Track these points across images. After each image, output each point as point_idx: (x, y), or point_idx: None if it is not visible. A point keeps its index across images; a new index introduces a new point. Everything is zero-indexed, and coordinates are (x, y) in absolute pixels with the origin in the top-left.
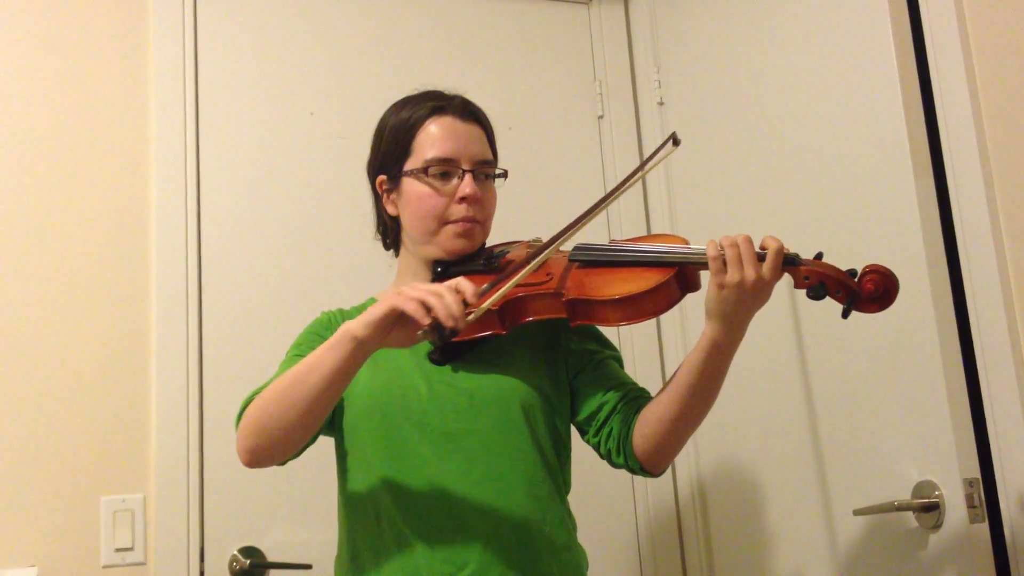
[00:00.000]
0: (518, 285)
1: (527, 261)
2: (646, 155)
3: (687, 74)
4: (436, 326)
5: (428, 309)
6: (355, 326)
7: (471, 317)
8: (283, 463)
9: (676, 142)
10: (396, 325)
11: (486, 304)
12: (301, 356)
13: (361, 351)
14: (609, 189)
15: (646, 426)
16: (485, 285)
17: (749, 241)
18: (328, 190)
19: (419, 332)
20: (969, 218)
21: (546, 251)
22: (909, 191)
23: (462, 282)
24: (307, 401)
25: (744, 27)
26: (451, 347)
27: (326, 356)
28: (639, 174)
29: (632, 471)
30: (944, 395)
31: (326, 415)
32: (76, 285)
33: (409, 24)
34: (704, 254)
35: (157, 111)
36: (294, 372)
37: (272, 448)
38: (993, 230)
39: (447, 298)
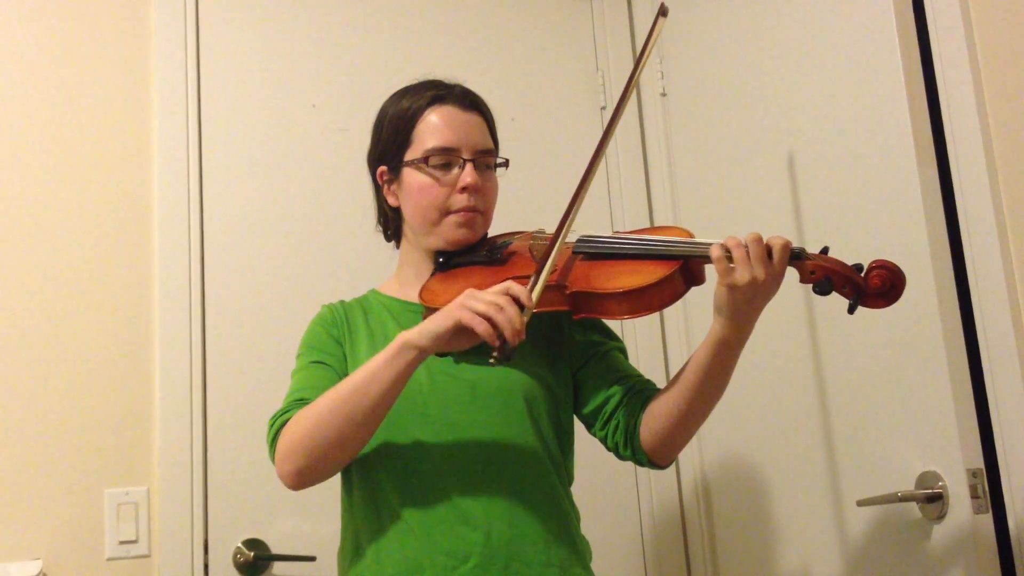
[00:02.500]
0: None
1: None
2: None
3: (690, 64)
4: (503, 344)
5: (493, 324)
6: (417, 337)
7: (527, 319)
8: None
9: (664, 12)
10: (456, 335)
11: (535, 298)
12: (321, 362)
13: (420, 360)
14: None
15: (654, 420)
16: (531, 280)
17: (759, 241)
18: (330, 182)
19: (491, 355)
20: (973, 209)
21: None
22: (913, 181)
23: (513, 286)
24: (366, 414)
25: (747, 17)
26: None
27: (385, 368)
28: (642, 61)
29: (639, 463)
30: (948, 385)
31: (379, 426)
32: (80, 278)
33: (411, 15)
34: (709, 246)
35: (159, 104)
36: (349, 387)
37: (324, 466)
38: (997, 221)
39: (509, 311)
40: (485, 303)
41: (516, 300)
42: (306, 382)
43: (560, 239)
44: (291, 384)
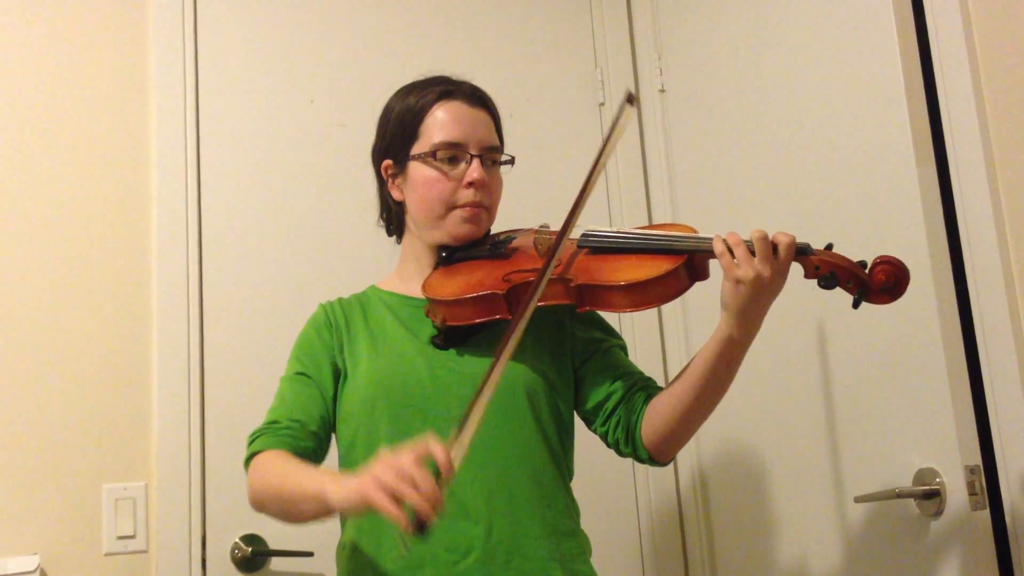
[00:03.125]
0: (527, 272)
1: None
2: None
3: (689, 61)
4: (415, 519)
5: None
6: (333, 496)
7: (446, 489)
8: None
9: (631, 100)
10: (368, 508)
11: (459, 462)
12: (304, 374)
13: (335, 514)
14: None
15: (656, 416)
16: (450, 436)
17: (765, 238)
18: (329, 178)
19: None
20: (971, 207)
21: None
22: (911, 179)
23: (435, 449)
24: (298, 519)
25: (746, 14)
26: (455, 331)
27: (306, 503)
28: (608, 145)
29: (640, 460)
30: (946, 382)
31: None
32: (78, 274)
33: (410, 12)
34: (712, 240)
35: (157, 101)
36: (286, 490)
37: (275, 518)
38: (995, 218)
39: (421, 484)
40: (396, 476)
41: (434, 464)
42: (283, 398)
43: (566, 233)
44: (276, 392)
